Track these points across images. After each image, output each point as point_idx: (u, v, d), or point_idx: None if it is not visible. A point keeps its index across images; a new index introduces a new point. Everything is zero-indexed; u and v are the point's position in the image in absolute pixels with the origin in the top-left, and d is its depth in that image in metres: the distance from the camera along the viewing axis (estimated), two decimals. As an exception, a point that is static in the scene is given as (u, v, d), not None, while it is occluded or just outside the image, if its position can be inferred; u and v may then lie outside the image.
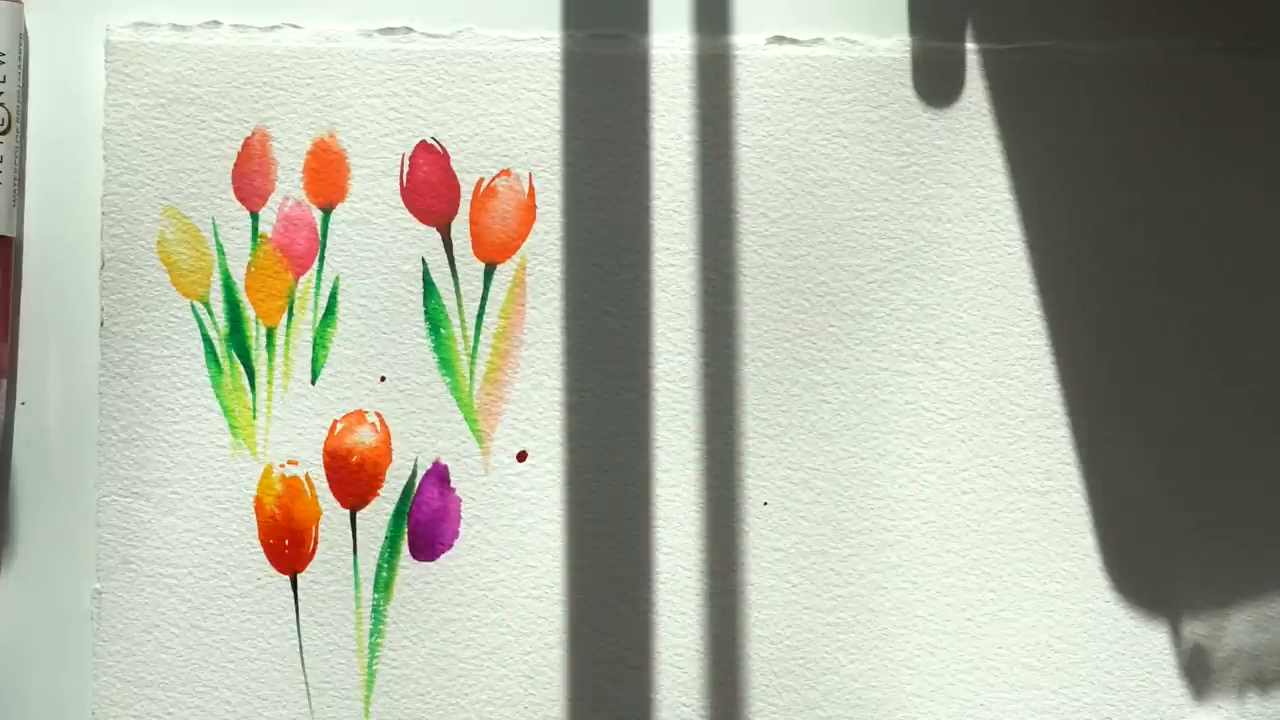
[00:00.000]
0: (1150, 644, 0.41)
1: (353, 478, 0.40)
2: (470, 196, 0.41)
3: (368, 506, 0.40)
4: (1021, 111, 0.42)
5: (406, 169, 0.41)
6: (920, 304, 0.41)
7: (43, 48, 0.41)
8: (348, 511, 0.40)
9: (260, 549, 0.40)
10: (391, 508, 0.40)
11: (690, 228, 0.41)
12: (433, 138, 0.41)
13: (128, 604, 0.39)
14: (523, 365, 0.41)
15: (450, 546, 0.40)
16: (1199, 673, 0.41)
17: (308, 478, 0.40)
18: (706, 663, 0.40)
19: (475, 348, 0.40)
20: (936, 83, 0.42)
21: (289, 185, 0.40)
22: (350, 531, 0.40)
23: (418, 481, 0.40)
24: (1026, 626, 0.41)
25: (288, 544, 0.40)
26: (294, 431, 0.40)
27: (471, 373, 0.40)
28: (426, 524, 0.40)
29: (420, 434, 0.40)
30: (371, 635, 0.40)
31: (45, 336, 0.40)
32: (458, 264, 0.41)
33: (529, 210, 0.41)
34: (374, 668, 0.40)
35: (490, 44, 0.41)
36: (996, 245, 0.42)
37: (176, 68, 0.40)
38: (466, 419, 0.40)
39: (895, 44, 0.42)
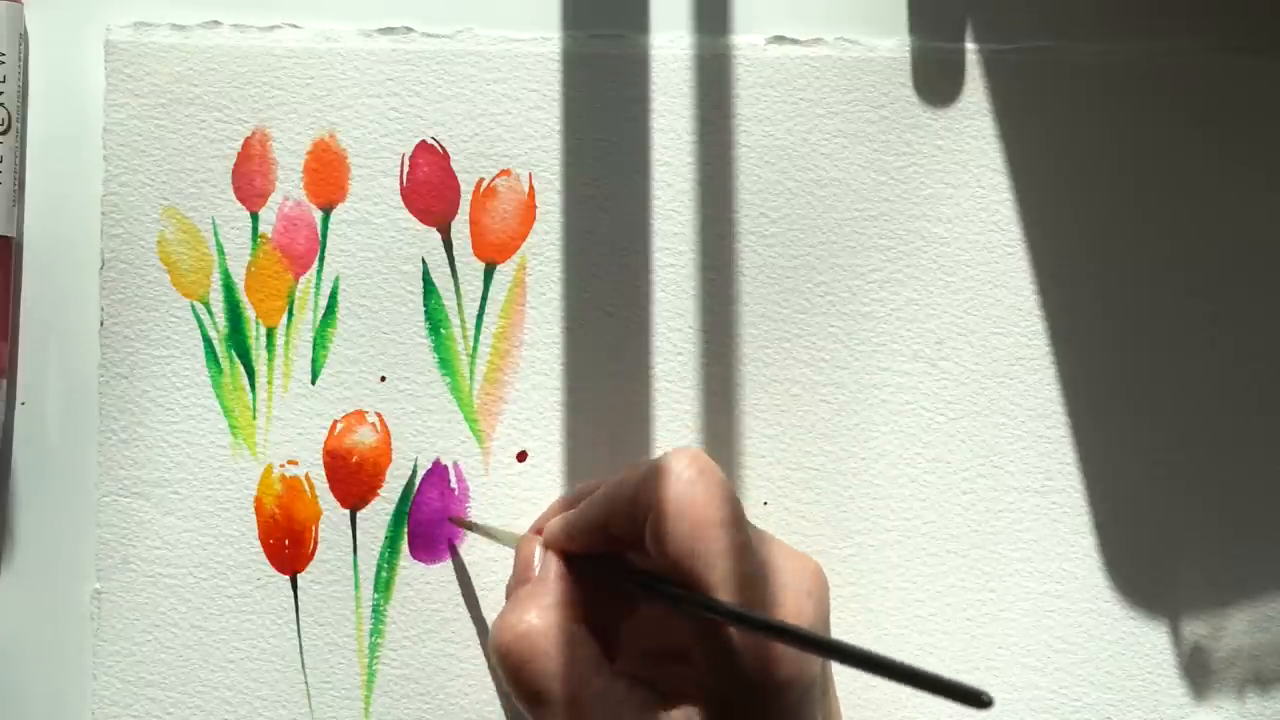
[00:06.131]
0: (1150, 644, 0.41)
1: (353, 478, 0.40)
2: (470, 196, 0.41)
3: (368, 506, 0.40)
4: (1021, 111, 0.42)
5: (406, 169, 0.41)
6: (920, 304, 0.41)
7: (43, 48, 0.41)
8: (348, 511, 0.40)
9: (260, 549, 0.40)
10: (391, 508, 0.40)
11: (690, 228, 0.41)
12: (433, 138, 0.41)
13: (128, 604, 0.39)
14: (523, 365, 0.41)
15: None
16: (1199, 673, 0.41)
17: (308, 478, 0.40)
18: (706, 663, 0.40)
19: (475, 348, 0.40)
20: (936, 83, 0.42)
21: (289, 185, 0.40)
22: (350, 531, 0.40)
23: (418, 481, 0.40)
24: (1026, 626, 0.41)
25: (288, 544, 0.40)
26: (294, 431, 0.40)
27: (471, 373, 0.40)
28: (426, 524, 0.40)
29: (420, 434, 0.40)
30: (371, 635, 0.40)
31: (45, 336, 0.40)
32: (458, 264, 0.41)
33: (529, 210, 0.41)
34: (374, 668, 0.40)
35: (490, 44, 0.41)
36: (996, 245, 0.42)
37: (176, 68, 0.40)
38: (466, 419, 0.40)
39: (895, 44, 0.42)
